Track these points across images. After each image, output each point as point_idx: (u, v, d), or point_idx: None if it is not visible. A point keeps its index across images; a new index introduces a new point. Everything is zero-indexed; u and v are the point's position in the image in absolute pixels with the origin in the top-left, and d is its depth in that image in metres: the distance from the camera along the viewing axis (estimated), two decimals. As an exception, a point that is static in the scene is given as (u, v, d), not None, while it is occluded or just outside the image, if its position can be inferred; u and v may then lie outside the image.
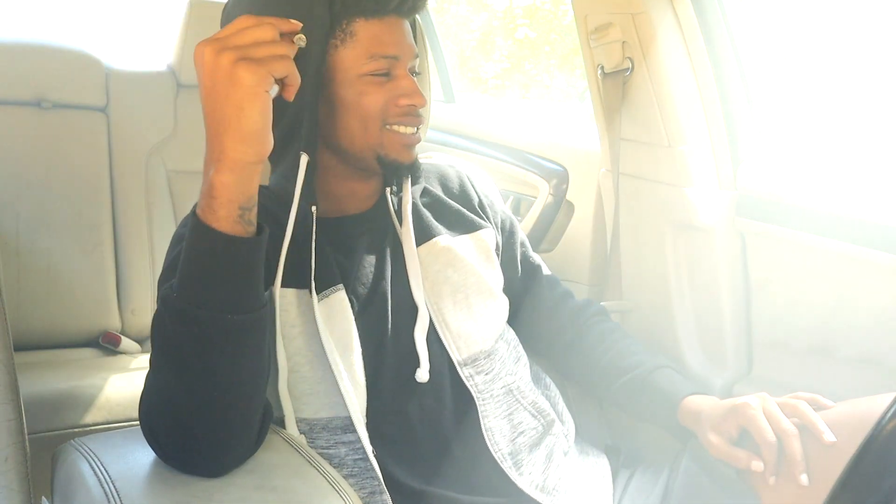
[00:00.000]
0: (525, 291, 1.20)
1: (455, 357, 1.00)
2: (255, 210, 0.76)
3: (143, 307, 1.83)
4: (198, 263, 0.75)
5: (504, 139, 1.87)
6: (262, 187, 0.91)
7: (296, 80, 0.76)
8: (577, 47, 1.50)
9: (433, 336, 1.01)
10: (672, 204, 1.37)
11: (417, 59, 1.00)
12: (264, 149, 0.75)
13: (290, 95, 0.77)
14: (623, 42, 1.34)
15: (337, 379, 0.92)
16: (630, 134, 1.41)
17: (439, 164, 1.18)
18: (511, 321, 1.15)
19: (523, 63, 5.10)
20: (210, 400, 0.77)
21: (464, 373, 1.00)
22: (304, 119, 0.93)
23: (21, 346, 1.46)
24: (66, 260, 1.76)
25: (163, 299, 0.78)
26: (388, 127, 0.96)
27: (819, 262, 1.24)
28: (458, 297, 1.03)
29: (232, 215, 0.74)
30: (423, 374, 0.97)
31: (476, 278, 1.05)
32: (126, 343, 1.80)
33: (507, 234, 1.18)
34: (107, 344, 1.78)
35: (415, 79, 0.99)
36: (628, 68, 1.35)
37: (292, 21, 0.77)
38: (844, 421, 0.88)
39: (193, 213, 0.76)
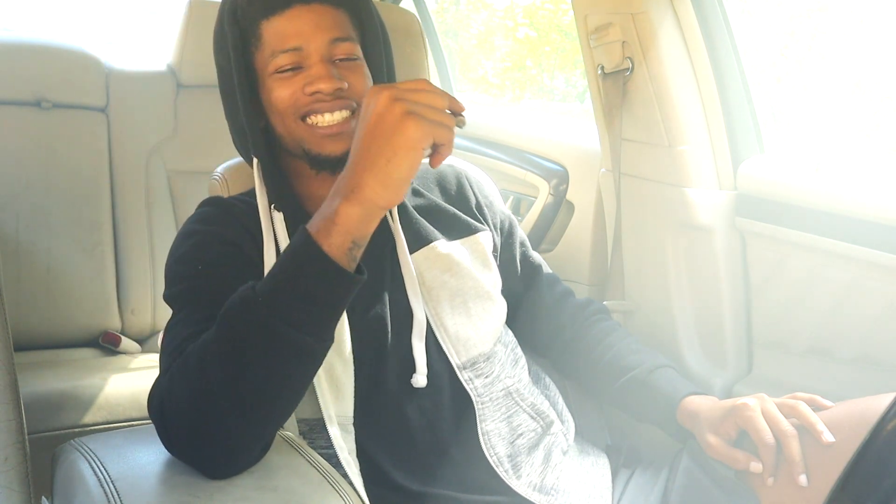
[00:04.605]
0: (525, 290, 1.20)
1: (454, 361, 1.00)
2: (362, 250, 0.78)
3: (143, 307, 1.84)
4: (296, 279, 0.76)
5: (504, 139, 1.87)
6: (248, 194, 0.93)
7: (448, 151, 0.78)
8: (577, 47, 1.49)
9: (431, 340, 1.01)
10: (672, 204, 1.37)
11: (347, 44, 0.98)
12: (397, 198, 0.77)
13: (436, 164, 0.80)
14: (623, 42, 1.34)
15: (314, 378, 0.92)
16: (630, 134, 1.41)
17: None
18: (511, 320, 1.15)
19: (524, 62, 5.10)
20: (252, 408, 0.77)
21: (463, 376, 1.00)
22: (245, 126, 0.98)
23: (21, 346, 1.46)
24: (66, 260, 1.76)
25: (243, 300, 0.77)
26: (304, 120, 0.96)
27: (819, 262, 1.24)
28: (456, 302, 1.03)
29: (344, 245, 0.76)
30: (419, 380, 0.97)
31: (474, 282, 1.05)
32: (126, 343, 1.80)
33: (506, 234, 1.18)
34: (107, 344, 1.78)
35: (352, 66, 0.98)
36: (628, 68, 1.35)
37: (460, 102, 0.81)
38: (844, 421, 0.88)
39: (304, 229, 0.77)
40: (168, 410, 0.79)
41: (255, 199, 0.99)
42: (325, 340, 0.79)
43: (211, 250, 0.94)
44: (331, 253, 0.75)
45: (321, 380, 0.93)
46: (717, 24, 1.32)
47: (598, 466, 1.11)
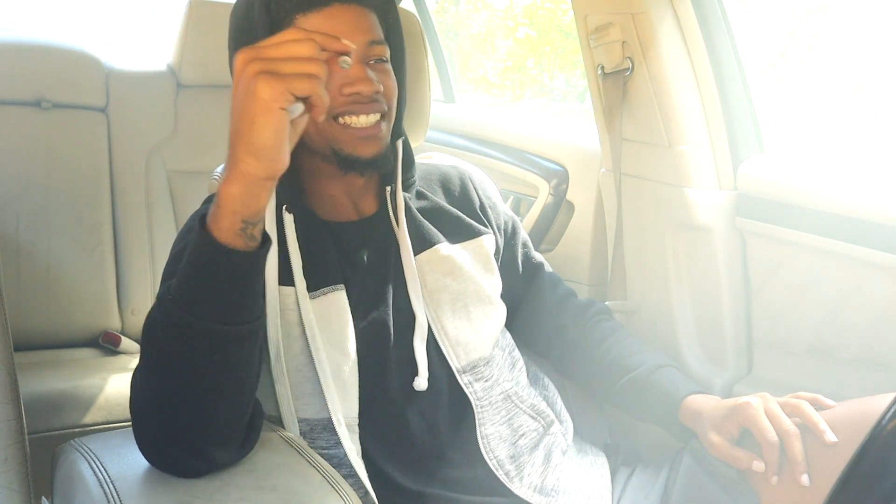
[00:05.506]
0: (526, 291, 1.20)
1: (454, 365, 1.00)
2: (260, 225, 0.75)
3: (143, 307, 1.83)
4: (195, 270, 0.74)
5: (504, 139, 1.87)
6: None
7: (322, 101, 0.72)
8: (577, 47, 1.49)
9: (432, 344, 1.00)
10: (672, 204, 1.37)
11: (382, 46, 0.97)
12: (276, 166, 0.72)
13: (318, 116, 0.73)
14: (623, 42, 1.34)
15: (320, 377, 0.92)
16: (630, 134, 1.41)
17: (441, 166, 1.17)
18: (512, 321, 1.15)
19: (525, 62, 5.10)
20: (193, 405, 0.76)
21: (463, 380, 1.00)
22: None
23: (21, 346, 1.46)
24: (66, 260, 1.76)
25: (158, 299, 0.77)
26: (337, 119, 0.95)
27: (819, 262, 1.24)
28: (457, 306, 1.03)
29: (233, 227, 0.72)
30: (421, 383, 0.97)
31: (475, 286, 1.05)
32: (126, 343, 1.80)
33: (509, 235, 1.18)
34: (107, 344, 1.78)
35: (382, 68, 0.97)
36: (628, 68, 1.35)
37: (344, 41, 0.72)
38: (844, 421, 0.88)
39: (202, 215, 0.75)
40: (132, 415, 0.80)
41: None
42: (244, 323, 0.76)
43: None
44: (221, 238, 0.72)
45: (329, 381, 0.93)
46: (717, 24, 1.32)
47: (596, 466, 1.11)
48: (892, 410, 0.43)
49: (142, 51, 2.20)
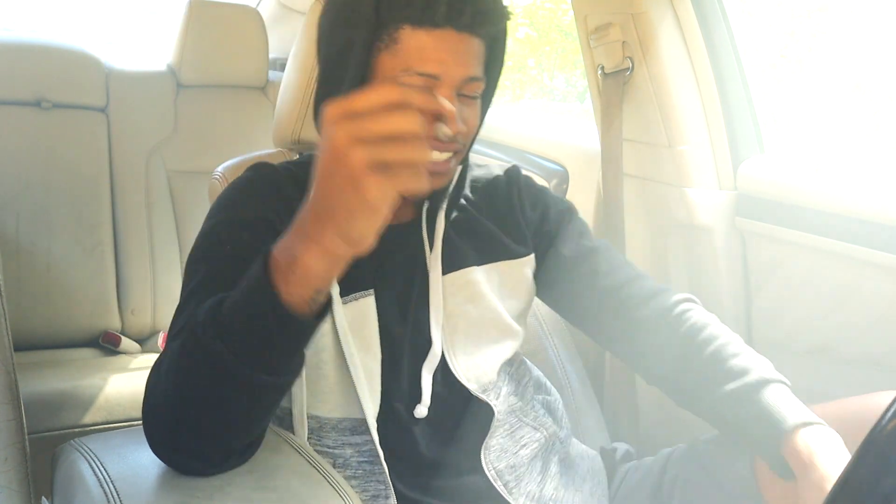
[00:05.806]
0: (582, 276, 1.07)
1: (469, 386, 1.00)
2: (326, 291, 0.72)
3: (143, 307, 1.84)
4: (250, 322, 0.72)
5: (504, 139, 1.87)
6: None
7: (421, 192, 0.65)
8: (577, 47, 1.50)
9: (442, 362, 1.00)
10: (672, 204, 1.37)
11: (478, 83, 0.91)
12: (365, 248, 0.68)
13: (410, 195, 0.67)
14: (623, 42, 1.34)
15: (355, 381, 0.92)
16: (630, 134, 1.41)
17: (493, 169, 1.11)
18: (576, 315, 1.09)
19: (525, 62, 5.10)
20: (207, 425, 0.76)
21: (480, 397, 1.00)
22: None
23: (21, 346, 1.47)
24: (66, 260, 1.76)
25: (203, 328, 0.73)
26: None
27: (819, 262, 1.24)
28: (472, 332, 1.01)
29: (305, 296, 0.70)
30: (421, 411, 0.97)
31: (493, 314, 1.02)
32: (126, 343, 1.80)
33: (563, 227, 1.09)
34: (107, 344, 1.78)
35: (472, 103, 0.92)
36: (628, 68, 1.35)
37: (444, 103, 0.66)
38: (844, 419, 0.88)
39: (265, 260, 0.71)
40: (144, 407, 0.79)
41: (305, 171, 0.93)
42: (281, 376, 0.75)
43: (237, 235, 0.91)
44: (290, 301, 0.70)
45: (363, 383, 0.93)
46: (717, 25, 1.32)
47: (594, 472, 1.11)
48: (893, 410, 0.43)
49: (142, 51, 2.20)
